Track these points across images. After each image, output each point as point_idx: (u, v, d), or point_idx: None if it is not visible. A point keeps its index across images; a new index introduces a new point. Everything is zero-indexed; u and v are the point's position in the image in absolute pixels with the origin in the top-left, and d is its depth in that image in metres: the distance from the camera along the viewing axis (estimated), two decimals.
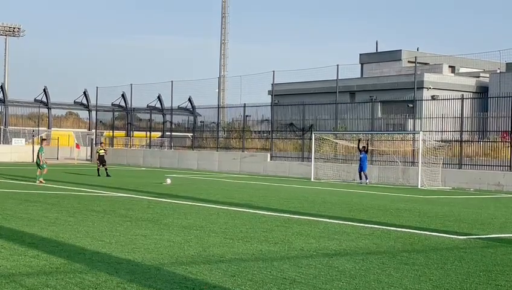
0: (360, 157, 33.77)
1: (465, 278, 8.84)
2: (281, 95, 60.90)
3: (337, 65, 42.06)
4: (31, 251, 10.02)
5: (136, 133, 58.70)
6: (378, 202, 21.93)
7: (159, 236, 12.01)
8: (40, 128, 60.59)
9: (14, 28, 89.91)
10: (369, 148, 35.16)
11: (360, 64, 75.92)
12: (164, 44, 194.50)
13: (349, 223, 15.01)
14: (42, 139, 33.23)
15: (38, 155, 27.98)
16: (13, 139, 57.58)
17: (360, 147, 34.14)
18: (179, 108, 62.18)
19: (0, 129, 59.36)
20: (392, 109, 44.13)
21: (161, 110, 61.32)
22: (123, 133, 59.41)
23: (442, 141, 34.24)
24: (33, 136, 57.11)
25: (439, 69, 67.45)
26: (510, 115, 32.21)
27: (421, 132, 33.25)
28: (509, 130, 32.36)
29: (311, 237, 12.50)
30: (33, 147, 54.82)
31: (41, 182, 26.87)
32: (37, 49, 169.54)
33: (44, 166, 27.68)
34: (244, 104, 46.84)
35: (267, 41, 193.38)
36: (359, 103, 47.58)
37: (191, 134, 54.32)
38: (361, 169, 33.71)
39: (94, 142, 57.69)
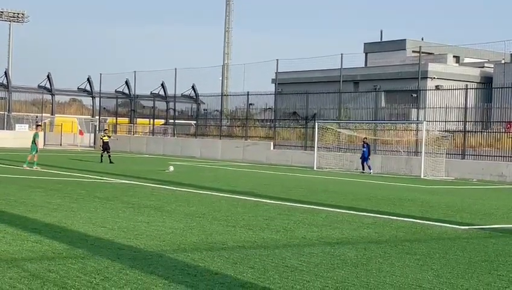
0: (363, 150, 33.86)
1: (466, 268, 8.84)
2: (284, 84, 60.78)
3: (341, 54, 41.97)
4: (33, 236, 10.04)
5: (139, 120, 58.73)
6: (381, 191, 21.93)
7: (161, 223, 12.03)
8: (43, 114, 60.66)
9: (18, 14, 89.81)
10: (372, 138, 35.14)
11: (364, 54, 75.75)
12: (168, 32, 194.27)
13: (352, 212, 15.02)
14: (37, 125, 33.23)
15: (34, 140, 27.99)
16: (17, 125, 57.67)
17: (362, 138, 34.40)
18: (183, 96, 62.14)
19: (3, 115, 59.45)
20: (395, 99, 43.99)
21: (164, 98, 61.30)
22: (126, 120, 59.45)
23: (445, 131, 34.19)
24: (36, 122, 57.17)
25: (444, 59, 67.28)
26: None
27: (424, 122, 33.20)
28: None
29: (313, 225, 12.51)
30: None
31: (26, 168, 26.77)
32: (41, 35, 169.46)
33: (33, 152, 27.73)
34: (248, 92, 46.78)
35: (271, 29, 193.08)
36: (363, 92, 47.47)
37: (194, 122, 54.33)
38: (364, 159, 33.76)
39: (97, 128, 57.74)
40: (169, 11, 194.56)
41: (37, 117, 58.30)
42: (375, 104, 39.63)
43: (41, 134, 30.13)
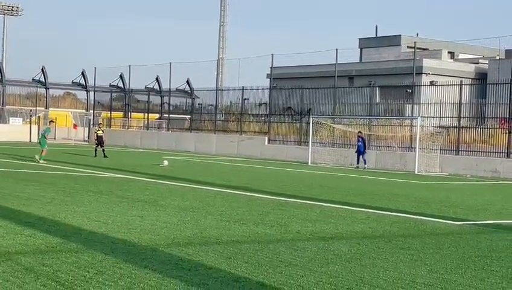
0: (358, 144, 33.89)
1: (460, 263, 8.87)
2: (279, 79, 60.69)
3: (336, 49, 41.96)
4: (27, 230, 10.03)
5: (133, 114, 58.63)
6: (375, 186, 21.96)
7: (155, 217, 12.03)
8: (37, 108, 60.51)
9: (12, 7, 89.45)
10: (366, 133, 35.17)
11: (359, 49, 75.65)
12: (163, 26, 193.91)
13: (346, 207, 15.04)
14: (50, 121, 34.53)
15: (44, 135, 28.56)
16: (11, 119, 57.54)
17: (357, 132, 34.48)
18: (177, 90, 62.07)
19: None
20: (390, 94, 43.98)
21: (159, 92, 61.21)
22: (121, 114, 59.35)
23: (440, 126, 34.23)
24: (30, 116, 57.05)
25: (438, 54, 67.29)
26: (508, 102, 32.21)
27: (419, 118, 33.24)
28: (508, 116, 32.36)
29: (307, 220, 12.52)
30: (30, 126, 54.81)
31: (38, 161, 27.21)
32: (36, 28, 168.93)
33: (46, 146, 28.09)
34: (243, 87, 46.75)
35: (266, 24, 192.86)
36: (357, 87, 47.41)
37: (189, 116, 54.27)
38: (359, 153, 33.78)
39: (92, 122, 57.61)
40: (165, 5, 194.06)
41: (31, 111, 58.12)
42: (369, 99, 39.63)
43: (52, 130, 31.07)
